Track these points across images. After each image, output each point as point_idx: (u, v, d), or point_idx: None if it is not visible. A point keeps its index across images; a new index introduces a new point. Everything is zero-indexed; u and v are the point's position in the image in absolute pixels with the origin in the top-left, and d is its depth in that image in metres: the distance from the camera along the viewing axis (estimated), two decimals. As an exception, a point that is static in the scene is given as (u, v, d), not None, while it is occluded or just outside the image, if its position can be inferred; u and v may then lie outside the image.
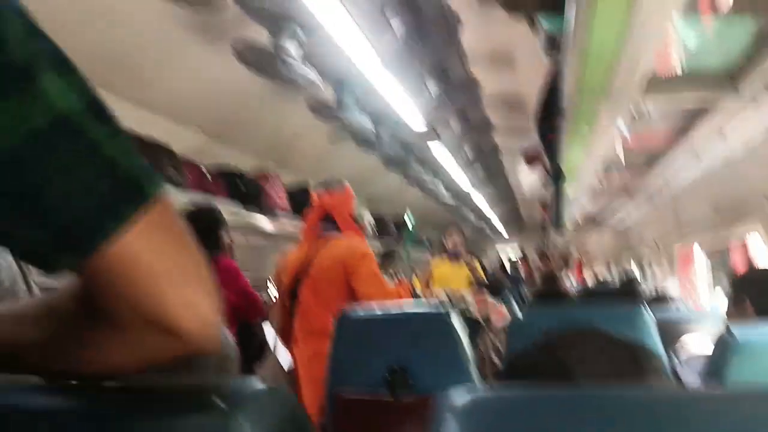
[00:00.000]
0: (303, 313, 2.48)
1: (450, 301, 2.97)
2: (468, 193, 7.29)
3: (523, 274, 10.68)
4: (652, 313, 1.84)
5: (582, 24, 1.56)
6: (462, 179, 6.27)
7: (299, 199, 4.21)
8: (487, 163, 5.69)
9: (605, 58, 1.68)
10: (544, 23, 1.77)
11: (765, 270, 1.63)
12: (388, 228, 6.34)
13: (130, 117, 2.95)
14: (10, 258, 1.36)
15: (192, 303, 0.45)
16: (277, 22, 2.73)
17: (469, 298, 3.00)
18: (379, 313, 1.89)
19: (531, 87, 3.76)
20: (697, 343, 1.92)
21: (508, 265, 10.54)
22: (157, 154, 2.81)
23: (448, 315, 1.81)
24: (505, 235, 13.00)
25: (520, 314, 1.81)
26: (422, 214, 8.73)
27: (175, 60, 2.86)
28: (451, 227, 4.81)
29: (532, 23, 1.89)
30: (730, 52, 1.97)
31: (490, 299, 3.07)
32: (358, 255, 2.44)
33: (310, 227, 2.61)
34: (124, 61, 2.71)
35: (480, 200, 8.04)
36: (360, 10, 2.60)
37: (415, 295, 4.14)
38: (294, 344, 2.51)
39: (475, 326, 3.01)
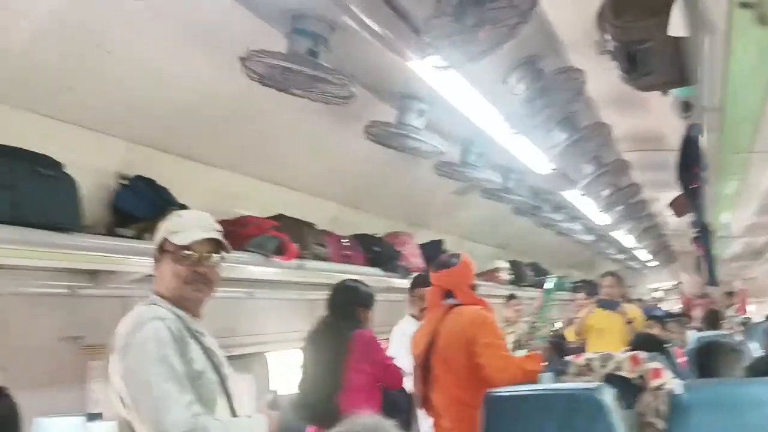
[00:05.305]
0: (437, 384, 2.50)
1: (601, 364, 2.82)
2: (607, 230, 6.94)
3: (681, 307, 9.79)
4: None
5: (720, 90, 1.49)
6: (600, 217, 6.00)
7: (433, 253, 4.29)
8: (627, 201, 5.41)
9: (748, 119, 1.59)
10: (676, 92, 1.70)
11: None
12: (524, 275, 6.21)
13: (273, 196, 3.24)
14: (201, 351, 1.52)
15: None
16: (403, 100, 2.88)
17: (622, 357, 2.83)
18: (526, 391, 1.86)
19: (665, 120, 3.57)
20: None
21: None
22: (301, 230, 3.03)
23: (599, 392, 1.75)
24: (654, 266, 12.09)
25: (681, 390, 1.69)
26: (557, 252, 8.42)
27: (310, 143, 3.11)
28: (606, 275, 4.57)
29: (664, 93, 1.83)
30: None
31: (645, 359, 2.88)
32: (477, 323, 2.42)
33: (433, 303, 2.64)
34: (266, 149, 3.01)
35: (621, 235, 7.60)
36: (480, 80, 2.66)
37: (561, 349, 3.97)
38: (435, 415, 2.54)
39: (631, 388, 2.84)
